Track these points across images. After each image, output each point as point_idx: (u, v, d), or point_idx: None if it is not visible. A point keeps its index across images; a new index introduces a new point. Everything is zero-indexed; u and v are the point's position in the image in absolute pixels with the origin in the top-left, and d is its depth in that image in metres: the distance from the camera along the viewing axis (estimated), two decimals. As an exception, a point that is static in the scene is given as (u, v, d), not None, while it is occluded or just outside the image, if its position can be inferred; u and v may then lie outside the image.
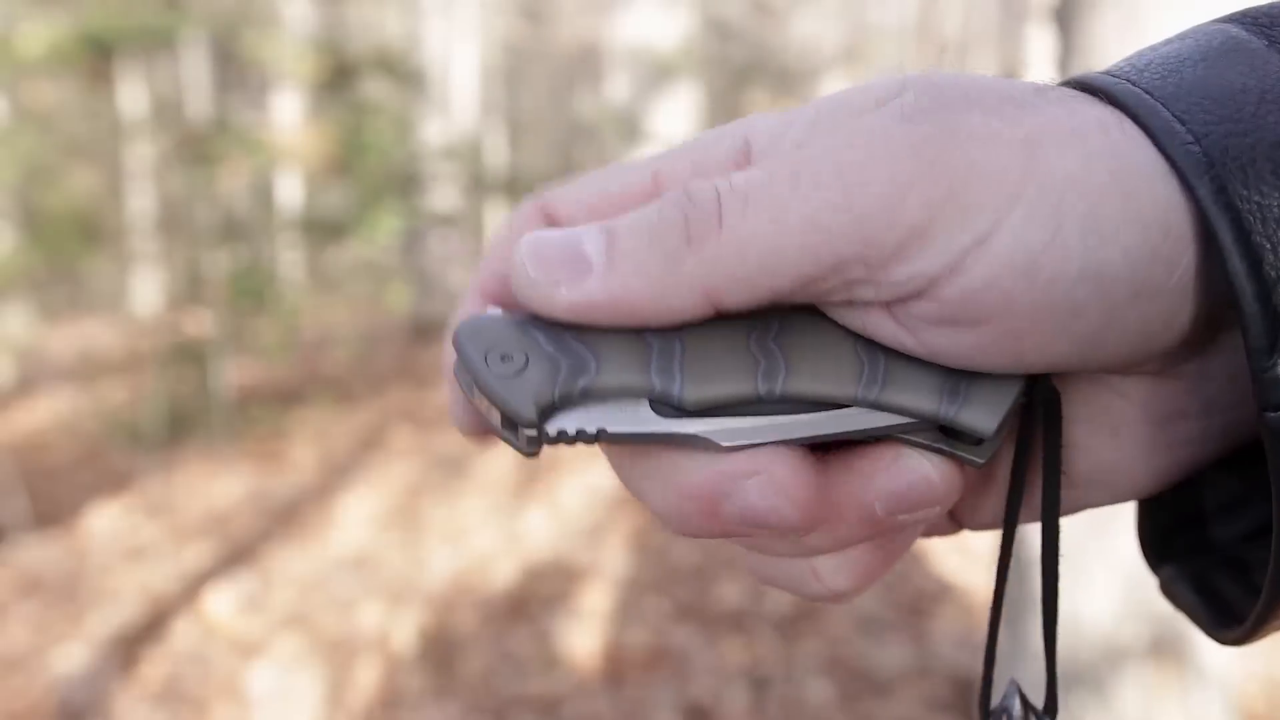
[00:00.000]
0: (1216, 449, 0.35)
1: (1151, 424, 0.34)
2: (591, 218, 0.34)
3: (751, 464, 0.31)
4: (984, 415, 0.32)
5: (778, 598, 3.33)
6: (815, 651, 3.00)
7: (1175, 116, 0.28)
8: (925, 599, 3.30)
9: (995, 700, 0.37)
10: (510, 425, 0.32)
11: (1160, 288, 0.29)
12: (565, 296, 0.30)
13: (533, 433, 0.32)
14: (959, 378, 0.33)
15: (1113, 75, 0.31)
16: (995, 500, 0.37)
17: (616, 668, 2.95)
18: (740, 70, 11.81)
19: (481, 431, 0.36)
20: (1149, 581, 1.80)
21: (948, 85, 0.30)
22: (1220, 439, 0.34)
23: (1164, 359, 0.31)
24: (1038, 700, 0.37)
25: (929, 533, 0.39)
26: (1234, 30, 0.31)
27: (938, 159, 0.28)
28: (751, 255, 0.29)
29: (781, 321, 0.33)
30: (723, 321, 0.32)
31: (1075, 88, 0.32)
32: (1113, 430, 0.34)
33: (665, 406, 0.32)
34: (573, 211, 0.35)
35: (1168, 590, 0.38)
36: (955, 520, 0.38)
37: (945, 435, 0.34)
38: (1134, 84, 0.30)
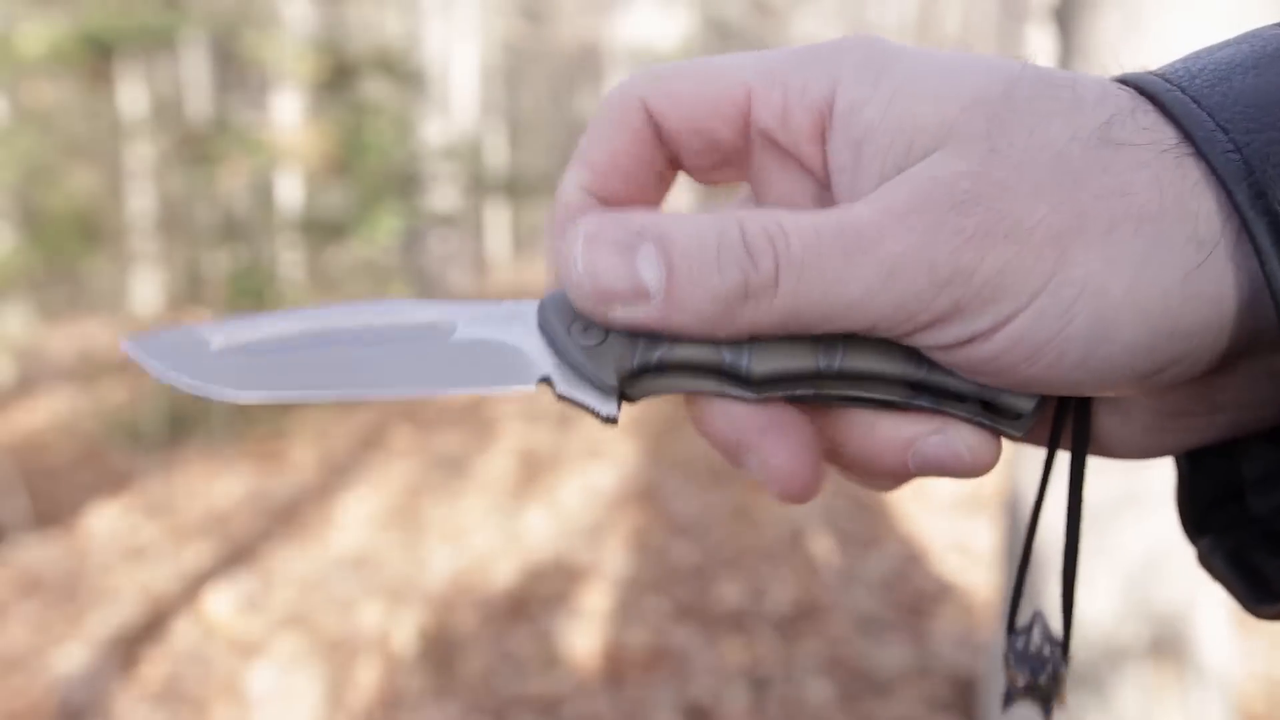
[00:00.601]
0: (1218, 437, 0.37)
1: (1160, 415, 0.36)
2: (688, 121, 0.37)
3: (759, 441, 0.36)
4: (1023, 395, 0.36)
5: (778, 597, 3.33)
6: (815, 651, 3.00)
7: (1219, 126, 0.30)
8: (925, 599, 3.30)
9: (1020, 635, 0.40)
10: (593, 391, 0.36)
11: (1162, 372, 0.31)
12: (620, 317, 0.34)
13: (614, 404, 0.36)
14: None
15: (1167, 80, 0.32)
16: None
17: (616, 668, 2.95)
18: (740, 70, 11.79)
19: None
20: (1149, 581, 1.79)
21: (1005, 151, 0.31)
22: (1224, 431, 0.36)
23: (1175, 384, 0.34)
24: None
25: None
26: None
27: (974, 262, 0.31)
28: (802, 315, 0.33)
29: None
30: None
31: (1131, 87, 0.33)
32: (1124, 414, 0.37)
33: (733, 377, 0.36)
34: (670, 111, 0.37)
35: (1205, 562, 0.40)
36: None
37: (986, 410, 0.37)
38: (1184, 91, 0.32)
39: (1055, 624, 0.39)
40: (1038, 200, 0.31)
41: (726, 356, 0.35)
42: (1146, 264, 0.30)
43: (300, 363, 0.36)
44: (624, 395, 0.36)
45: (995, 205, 0.31)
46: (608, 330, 0.35)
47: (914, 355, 0.35)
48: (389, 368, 0.36)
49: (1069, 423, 0.38)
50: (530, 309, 0.37)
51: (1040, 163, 0.31)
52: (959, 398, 0.36)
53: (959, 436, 0.36)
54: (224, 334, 0.36)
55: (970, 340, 0.32)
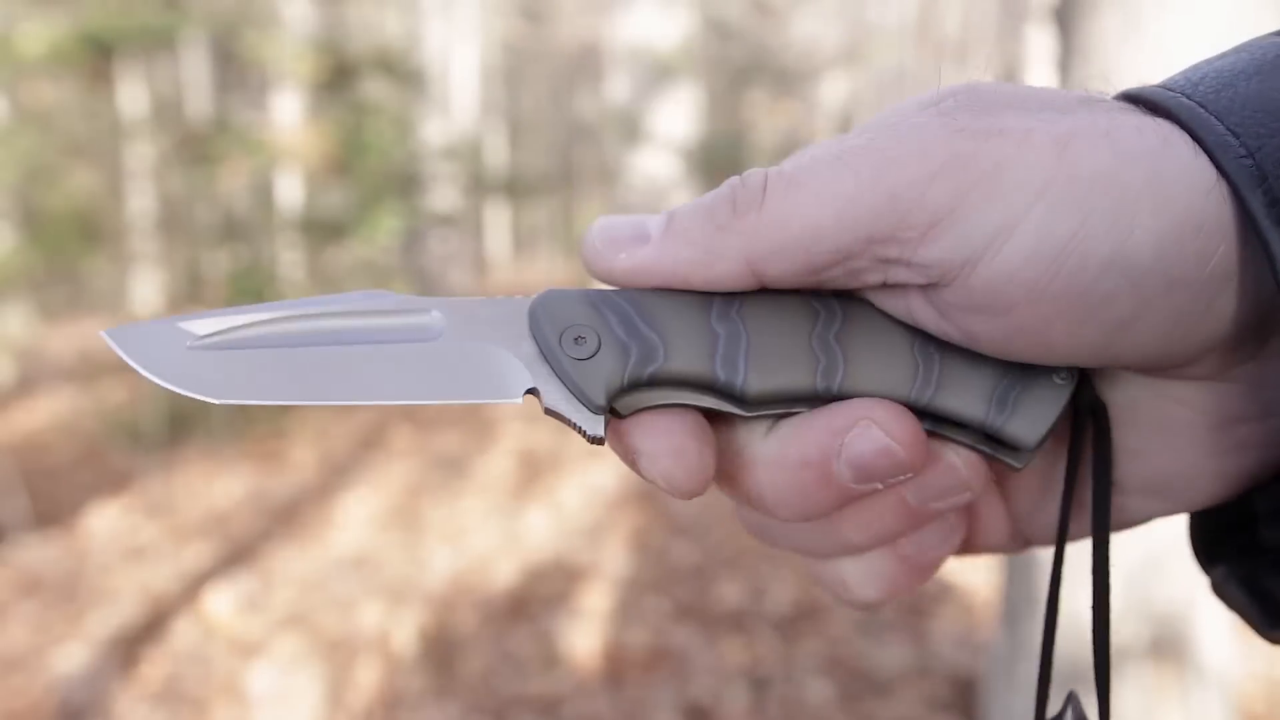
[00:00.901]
0: (1275, 456, 0.35)
1: (1210, 429, 0.35)
2: None
3: (851, 413, 0.33)
4: (1028, 427, 0.34)
5: (778, 597, 3.33)
6: (815, 651, 3.00)
7: (1229, 130, 0.29)
8: (925, 599, 3.30)
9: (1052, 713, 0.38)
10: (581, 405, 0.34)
11: (1192, 280, 0.29)
12: (624, 261, 0.33)
13: (601, 423, 0.34)
14: (1009, 387, 0.34)
15: (1167, 89, 0.32)
16: (1053, 512, 0.38)
17: (616, 668, 2.95)
18: (740, 70, 11.80)
19: None
20: (1149, 581, 1.79)
21: (991, 92, 0.32)
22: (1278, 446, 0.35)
23: (1214, 361, 0.32)
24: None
25: (993, 549, 0.40)
26: None
27: (968, 151, 0.30)
28: (790, 227, 0.31)
29: (844, 316, 0.34)
30: (786, 312, 0.34)
31: (1128, 101, 0.33)
32: (1173, 437, 0.35)
33: (726, 395, 0.34)
34: None
35: (1219, 591, 0.39)
36: (1018, 535, 0.40)
37: (986, 438, 0.35)
38: (1189, 97, 0.31)
39: (1031, 680, 0.37)
40: (1027, 116, 0.30)
41: (721, 374, 0.33)
42: (1159, 157, 0.29)
43: (282, 363, 0.34)
44: (612, 410, 0.34)
45: (982, 117, 0.30)
46: (600, 341, 0.34)
47: (920, 369, 0.34)
48: (373, 372, 0.34)
49: (1088, 468, 0.36)
50: (522, 310, 0.36)
51: (1029, 101, 0.31)
52: (960, 424, 0.35)
53: (948, 454, 0.35)
54: (205, 328, 0.35)
55: (983, 253, 0.29)
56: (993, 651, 2.37)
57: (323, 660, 3.02)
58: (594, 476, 4.43)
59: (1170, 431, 0.35)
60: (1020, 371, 0.35)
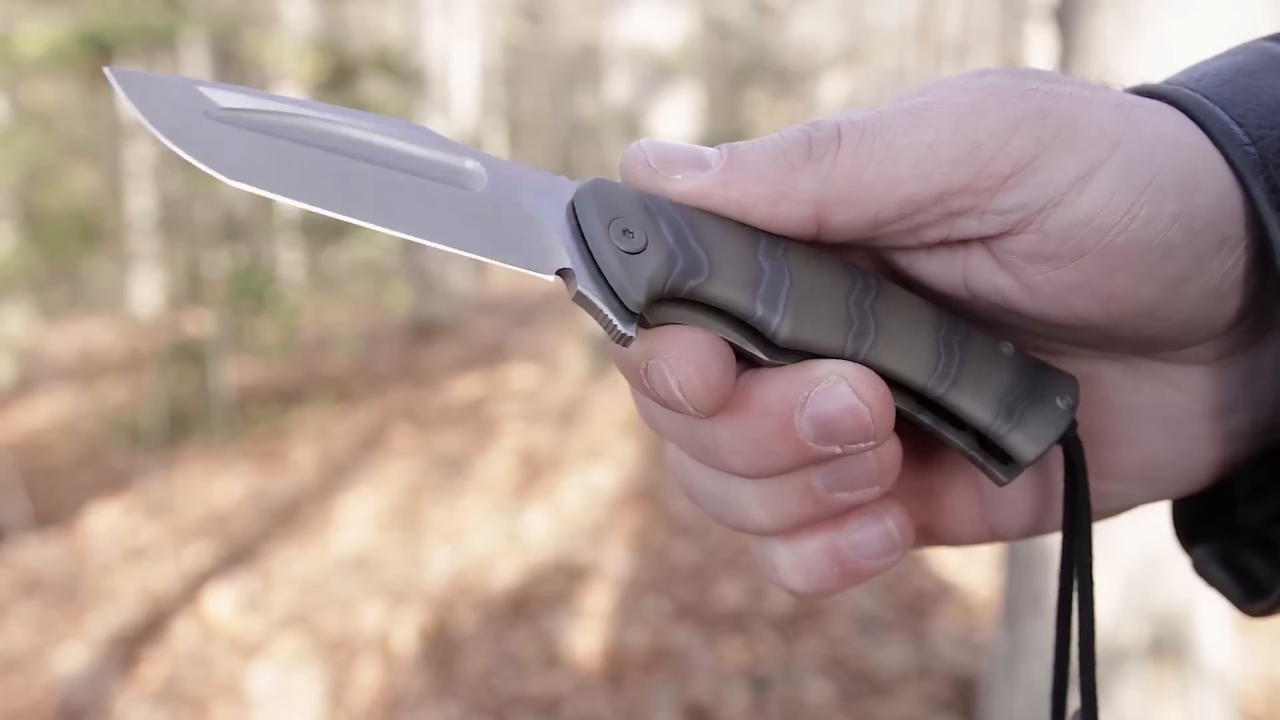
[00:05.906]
0: (1263, 444, 0.36)
1: (1204, 417, 0.36)
2: None
3: (822, 368, 0.32)
4: (1028, 442, 0.34)
5: (778, 597, 3.33)
6: (815, 651, 3.00)
7: (1233, 119, 0.31)
8: (925, 599, 3.30)
9: None
10: (615, 303, 0.32)
11: (1239, 240, 0.31)
12: (681, 183, 0.32)
13: (633, 324, 0.31)
14: (1018, 398, 0.34)
15: (1170, 84, 0.34)
16: (1022, 508, 0.39)
17: (616, 668, 2.95)
18: (740, 70, 11.81)
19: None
20: (1149, 581, 1.79)
21: (1037, 69, 0.33)
22: (1267, 434, 0.36)
23: (1219, 344, 0.33)
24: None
25: (961, 541, 0.41)
26: (1277, 49, 0.33)
27: (1045, 105, 0.31)
28: (867, 174, 0.31)
29: (879, 290, 0.34)
30: (826, 268, 0.33)
31: (1134, 94, 0.34)
32: (1166, 422, 0.36)
33: (756, 334, 0.33)
34: None
35: (1200, 569, 0.40)
36: (987, 528, 0.40)
37: (980, 445, 0.35)
38: (1193, 90, 0.32)
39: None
40: (1085, 89, 0.32)
41: (759, 308, 0.32)
42: (1197, 131, 0.31)
43: (311, 161, 0.31)
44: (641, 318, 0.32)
45: (1048, 82, 0.32)
46: (648, 240, 0.31)
47: (942, 361, 0.34)
48: (405, 202, 0.31)
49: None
50: (566, 189, 0.34)
51: (1064, 77, 0.33)
52: (959, 424, 0.35)
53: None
54: (230, 100, 0.31)
55: (1062, 198, 0.30)
56: (993, 651, 2.37)
57: (323, 660, 3.02)
58: (594, 476, 4.43)
59: (1166, 417, 0.36)
60: (1029, 385, 0.35)
